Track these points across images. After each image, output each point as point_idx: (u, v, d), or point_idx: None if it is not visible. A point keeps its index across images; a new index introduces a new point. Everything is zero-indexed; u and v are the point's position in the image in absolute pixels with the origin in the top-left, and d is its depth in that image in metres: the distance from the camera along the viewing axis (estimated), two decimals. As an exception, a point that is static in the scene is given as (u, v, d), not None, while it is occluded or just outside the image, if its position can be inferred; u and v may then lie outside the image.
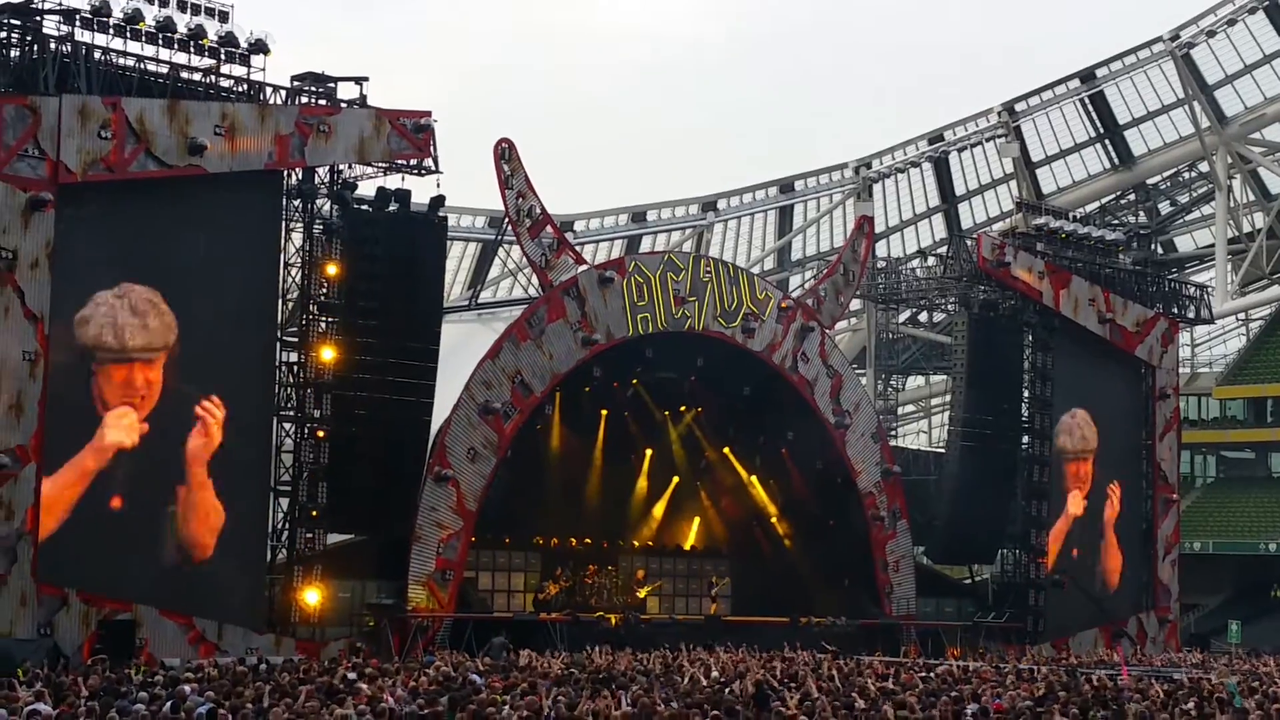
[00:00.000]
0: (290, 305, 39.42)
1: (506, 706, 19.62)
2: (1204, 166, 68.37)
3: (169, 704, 19.55)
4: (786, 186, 75.85)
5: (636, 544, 51.09)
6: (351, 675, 25.02)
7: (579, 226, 72.64)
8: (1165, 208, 70.81)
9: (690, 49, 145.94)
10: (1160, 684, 28.68)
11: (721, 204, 75.67)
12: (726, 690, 23.62)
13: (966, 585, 55.73)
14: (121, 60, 35.67)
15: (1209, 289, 63.78)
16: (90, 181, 34.24)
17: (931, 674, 29.99)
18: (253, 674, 25.80)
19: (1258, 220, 70.96)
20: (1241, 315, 73.25)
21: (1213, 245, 69.79)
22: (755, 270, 61.37)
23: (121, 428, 34.86)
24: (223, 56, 37.21)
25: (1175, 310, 59.06)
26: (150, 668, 27.29)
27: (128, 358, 35.01)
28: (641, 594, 49.22)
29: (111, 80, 35.24)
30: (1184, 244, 74.28)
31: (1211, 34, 66.82)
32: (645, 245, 73.11)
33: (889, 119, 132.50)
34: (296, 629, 37.83)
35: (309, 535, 38.52)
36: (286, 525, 38.50)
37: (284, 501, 38.58)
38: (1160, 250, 70.90)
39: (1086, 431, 54.24)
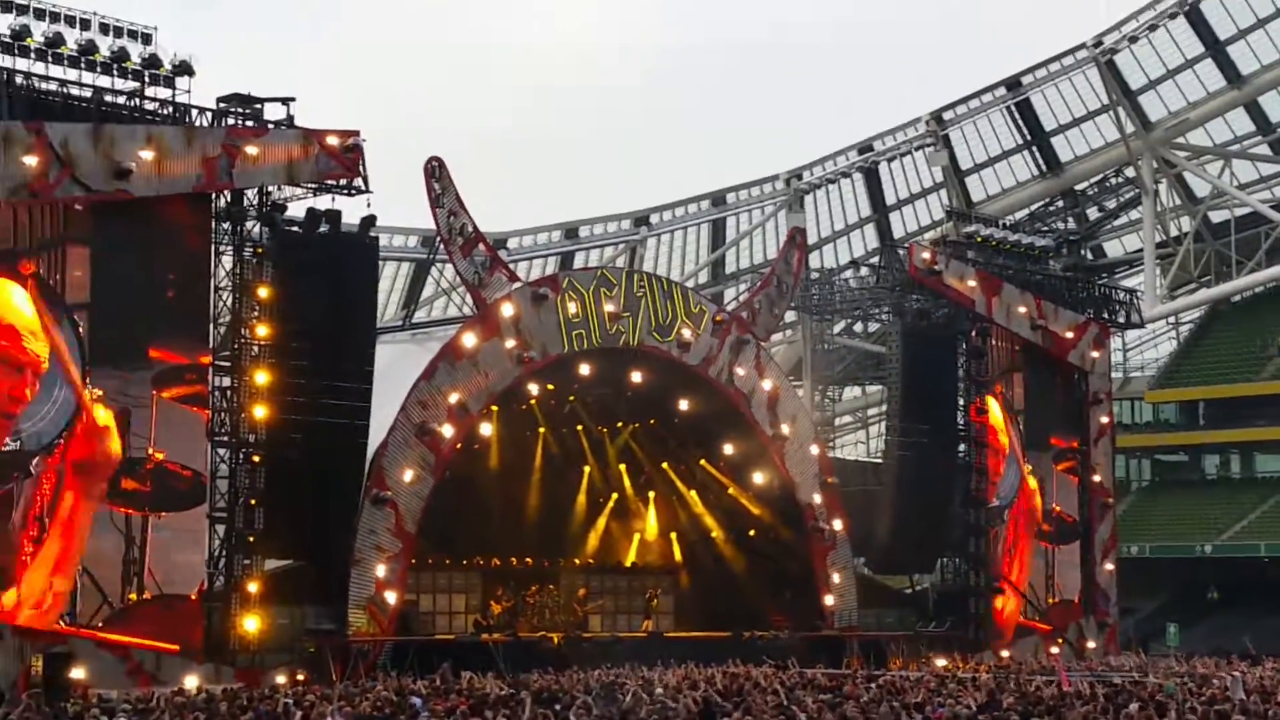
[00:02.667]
0: (222, 329, 39.03)
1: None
2: (1130, 172, 68.99)
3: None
4: (718, 199, 75.98)
5: (578, 562, 50.92)
6: (288, 701, 24.69)
7: (512, 244, 72.49)
8: (1094, 213, 71.38)
9: (620, 62, 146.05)
10: (1100, 688, 28.82)
11: (654, 218, 75.72)
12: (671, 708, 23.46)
13: (907, 594, 55.83)
14: (44, 85, 35.27)
15: (1139, 294, 64.25)
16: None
17: (873, 684, 30.00)
18: (190, 705, 25.44)
19: (1185, 224, 71.64)
20: (1172, 319, 73.91)
21: (1141, 250, 70.41)
22: (689, 284, 61.36)
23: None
24: (147, 79, 36.83)
25: (1106, 315, 59.47)
26: (87, 701, 26.81)
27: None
28: (582, 612, 49.08)
29: (34, 105, 34.80)
30: (1113, 249, 74.90)
31: (1134, 39, 67.41)
32: (579, 261, 73.02)
33: (818, 130, 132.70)
34: (236, 657, 37.37)
35: (246, 562, 38.09)
36: (223, 552, 38.06)
37: (220, 528, 38.15)
38: (1090, 256, 71.48)
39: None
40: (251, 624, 37.69)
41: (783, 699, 25.03)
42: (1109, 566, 56.66)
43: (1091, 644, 54.62)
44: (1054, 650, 51.16)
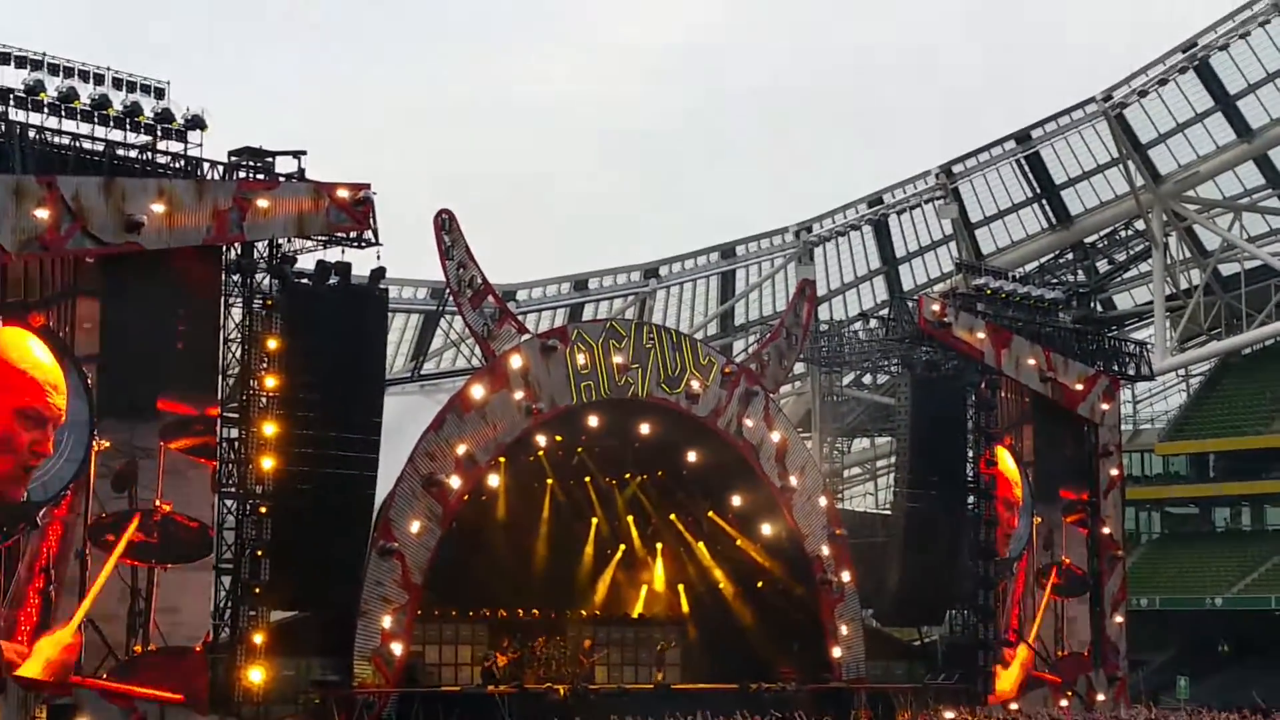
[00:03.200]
0: (231, 381, 39.15)
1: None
2: (1140, 225, 69.07)
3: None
4: (728, 252, 76.19)
5: (584, 613, 50.79)
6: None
7: (521, 296, 72.79)
8: (1103, 266, 71.19)
9: (628, 115, 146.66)
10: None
11: (663, 270, 75.97)
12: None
13: (916, 647, 55.62)
14: (56, 139, 35.53)
15: (1148, 346, 64.30)
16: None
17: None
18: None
19: (1194, 277, 71.74)
20: (1181, 371, 73.91)
21: (1151, 303, 70.45)
22: (698, 336, 61.49)
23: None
24: (159, 133, 37.09)
25: (1116, 367, 59.47)
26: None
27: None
28: (588, 663, 49.01)
29: (47, 159, 35.00)
30: (1123, 302, 74.94)
31: (1144, 93, 67.68)
32: (588, 313, 73.27)
33: (827, 183, 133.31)
34: (241, 709, 37.32)
35: (252, 613, 38.07)
36: (229, 603, 38.07)
37: (226, 579, 38.17)
38: (1099, 308, 71.44)
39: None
40: (257, 675, 37.63)
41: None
42: (1119, 619, 56.45)
43: (1101, 696, 54.37)
44: (1063, 703, 50.98)
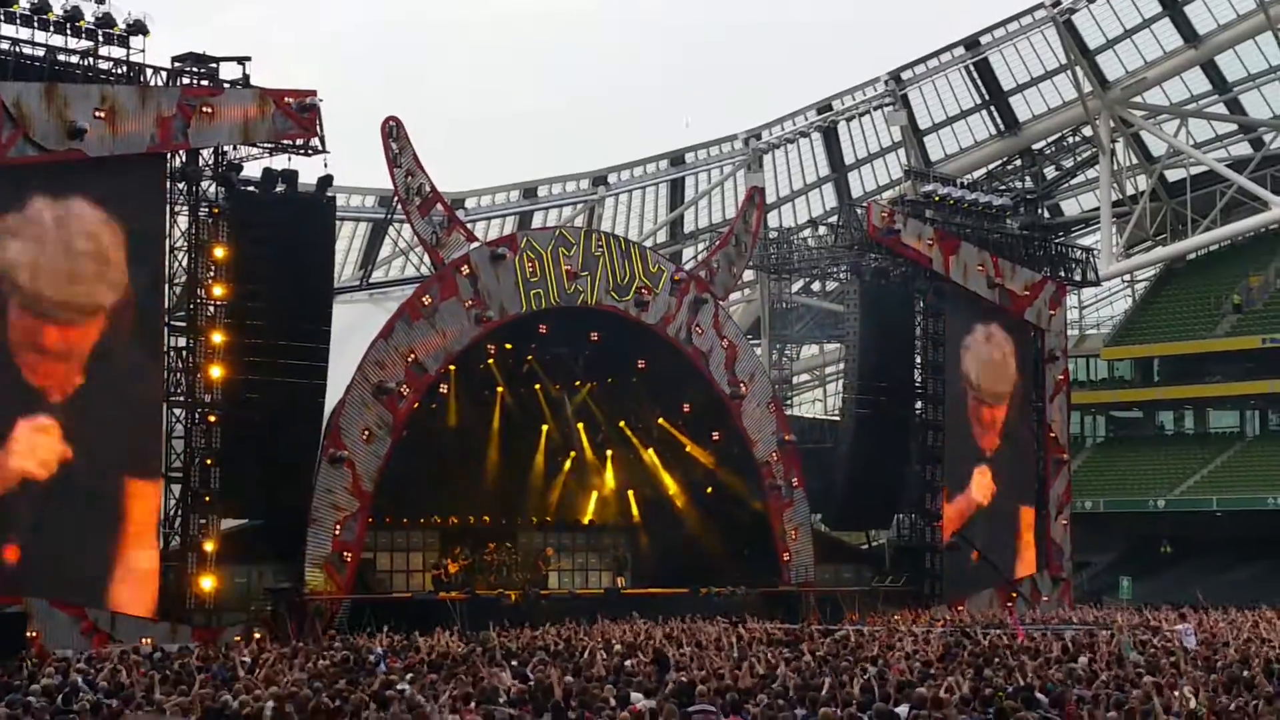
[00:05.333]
0: (178, 290, 38.92)
1: (406, 685, 19.57)
2: (1088, 131, 69.20)
3: (61, 696, 19.29)
4: (677, 159, 75.88)
5: (535, 520, 51.05)
6: (246, 659, 24.77)
7: (470, 204, 72.37)
8: (1051, 172, 71.56)
9: (579, 23, 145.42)
10: (1055, 640, 29.18)
11: (612, 178, 75.62)
12: (627, 663, 23.68)
13: (864, 551, 56.26)
14: (-4, 44, 35.05)
15: (1095, 252, 64.68)
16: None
17: (829, 638, 30.29)
18: (148, 662, 25.51)
19: (1141, 183, 71.93)
20: (1127, 277, 74.27)
21: (1098, 209, 70.70)
22: (647, 243, 61.43)
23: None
24: (100, 38, 36.61)
25: (1063, 273, 59.86)
26: (41, 660, 26.83)
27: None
28: (545, 570, 49.40)
29: (-15, 63, 34.58)
30: (1070, 208, 75.13)
31: (1092, 0, 67.56)
32: (537, 221, 72.93)
33: (778, 89, 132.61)
34: (192, 616, 37.46)
35: (202, 521, 38.11)
36: (179, 512, 38.08)
37: (176, 488, 38.16)
38: (1047, 214, 71.65)
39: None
40: (208, 583, 37.77)
41: (736, 653, 25.29)
42: (1063, 521, 57.19)
43: (1045, 598, 55.14)
44: (1009, 604, 51.70)
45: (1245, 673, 20.56)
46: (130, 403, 36.69)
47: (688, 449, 50.44)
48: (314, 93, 39.72)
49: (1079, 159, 71.33)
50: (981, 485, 54.42)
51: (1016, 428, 56.15)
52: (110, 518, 36.08)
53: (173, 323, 38.48)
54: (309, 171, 40.51)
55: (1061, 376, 58.40)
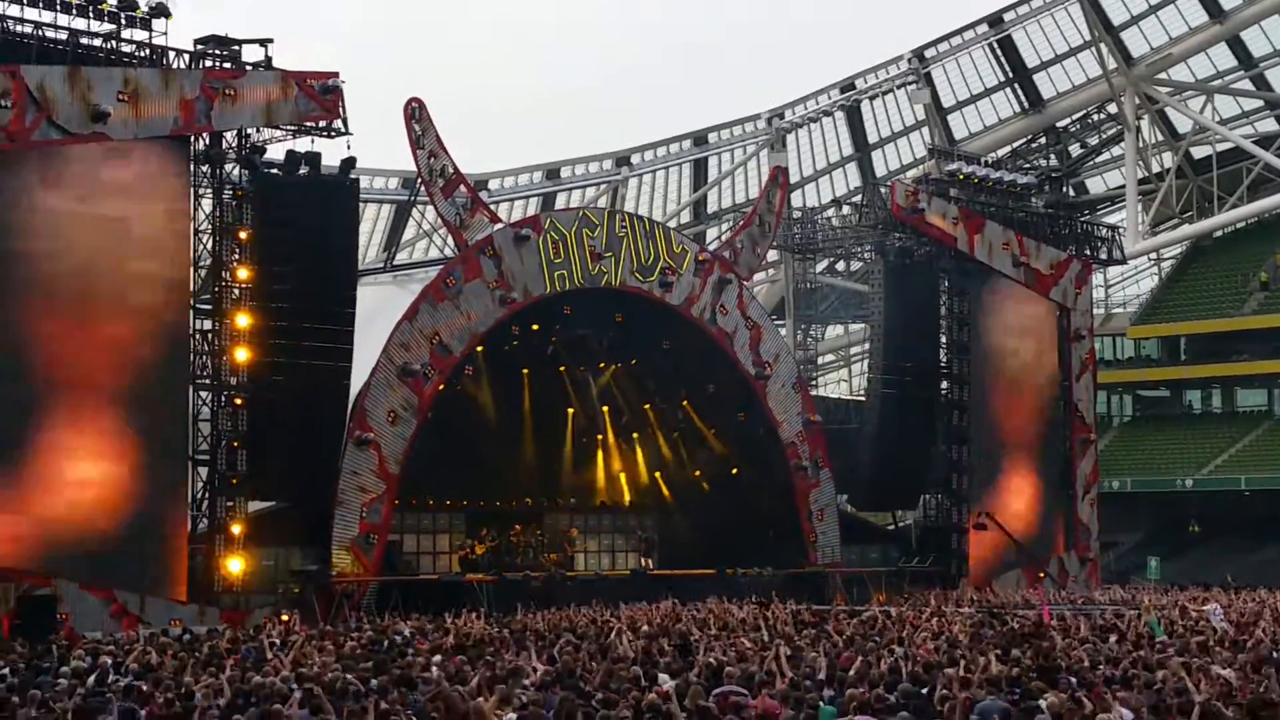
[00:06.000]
0: (203, 273, 38.95)
1: (435, 667, 19.55)
2: (1113, 108, 68.82)
3: (91, 678, 19.33)
4: (700, 139, 75.73)
5: (560, 502, 51.04)
6: (275, 641, 24.81)
7: (493, 185, 72.26)
8: (1076, 150, 71.19)
9: (604, 3, 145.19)
10: (1084, 620, 29.05)
11: (635, 158, 75.46)
12: (652, 644, 23.61)
13: (890, 531, 56.15)
14: (19, 27, 35.03)
15: (1121, 230, 64.37)
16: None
17: (856, 619, 30.22)
18: (177, 644, 25.56)
19: (1166, 160, 71.60)
20: (1153, 255, 74.00)
21: (1123, 186, 70.37)
22: (671, 224, 61.27)
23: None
24: (123, 21, 36.59)
25: (1088, 251, 59.58)
26: (71, 643, 26.93)
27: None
28: (571, 551, 49.41)
29: (10, 48, 34.60)
30: (1095, 186, 74.85)
31: (1117, -25, 67.18)
32: (560, 202, 72.79)
33: (801, 68, 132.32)
34: (220, 598, 37.54)
35: (230, 504, 38.17)
36: (206, 494, 38.14)
37: (203, 470, 38.22)
38: (1072, 192, 71.41)
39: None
40: (236, 565, 37.84)
41: (764, 634, 25.22)
42: (1090, 501, 56.98)
43: (1073, 578, 54.96)
44: (1036, 584, 51.55)
45: (1276, 653, 20.41)
46: (160, 386, 36.70)
47: (713, 431, 50.30)
48: (336, 74, 39.71)
49: (1104, 136, 70.94)
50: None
51: (1046, 407, 55.97)
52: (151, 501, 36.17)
53: (198, 306, 38.49)
54: (332, 154, 40.59)
55: (1088, 355, 58.15)
